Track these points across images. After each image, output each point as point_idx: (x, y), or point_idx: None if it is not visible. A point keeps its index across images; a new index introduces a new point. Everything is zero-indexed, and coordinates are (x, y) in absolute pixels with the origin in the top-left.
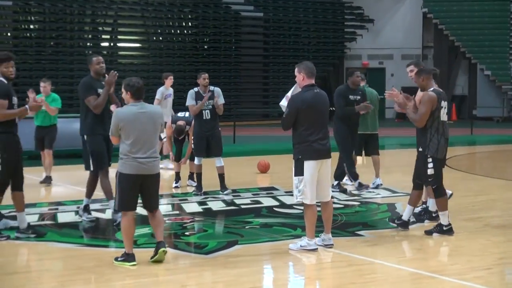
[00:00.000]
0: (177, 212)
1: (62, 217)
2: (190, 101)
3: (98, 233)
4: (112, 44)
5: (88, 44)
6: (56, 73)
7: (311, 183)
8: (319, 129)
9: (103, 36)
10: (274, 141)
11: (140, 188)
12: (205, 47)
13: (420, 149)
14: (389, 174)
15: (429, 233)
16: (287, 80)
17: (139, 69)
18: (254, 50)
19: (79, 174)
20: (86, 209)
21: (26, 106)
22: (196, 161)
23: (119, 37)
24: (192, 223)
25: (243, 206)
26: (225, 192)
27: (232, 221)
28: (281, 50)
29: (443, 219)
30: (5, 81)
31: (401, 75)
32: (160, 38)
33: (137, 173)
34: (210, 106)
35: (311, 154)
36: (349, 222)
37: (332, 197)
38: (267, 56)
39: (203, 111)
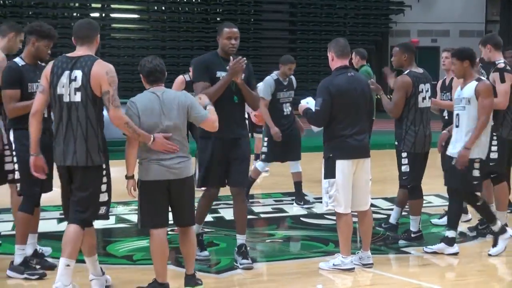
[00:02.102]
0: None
1: (42, 226)
2: (266, 92)
3: None
4: (103, 14)
5: (75, 14)
6: None
7: (345, 188)
8: (355, 121)
9: (93, 5)
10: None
11: (169, 198)
12: (218, 19)
13: (396, 143)
14: (439, 178)
15: (394, 239)
16: (318, 61)
17: (137, 46)
18: (278, 23)
19: None
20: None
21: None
22: (260, 166)
23: (113, 6)
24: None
25: (263, 215)
26: (304, 205)
27: (249, 234)
28: (311, 25)
29: (414, 225)
30: (20, 63)
31: None
32: (163, 7)
33: (162, 178)
34: (291, 98)
35: (345, 152)
36: (393, 236)
37: (372, 205)
38: (293, 31)
39: (283, 104)
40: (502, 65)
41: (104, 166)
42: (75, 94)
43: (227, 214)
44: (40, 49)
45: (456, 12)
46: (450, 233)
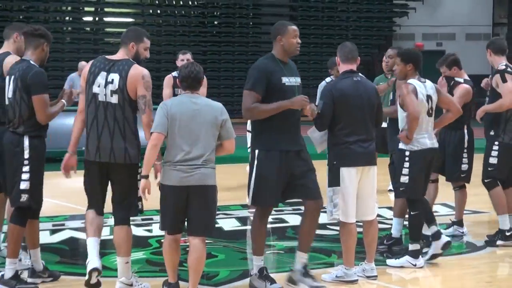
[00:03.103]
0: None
1: None
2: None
3: (80, 257)
4: (97, 18)
5: (67, 18)
6: None
7: (350, 196)
8: (360, 127)
9: (86, 9)
10: None
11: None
12: (215, 23)
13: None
14: (446, 185)
15: (401, 250)
16: (319, 66)
17: None
18: None
19: (56, 182)
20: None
21: (63, 100)
22: None
23: (106, 9)
24: None
25: None
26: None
27: (249, 245)
28: (312, 28)
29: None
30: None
31: (466, 60)
32: (158, 11)
33: (180, 184)
34: None
35: (350, 159)
36: (398, 247)
37: (378, 215)
38: None
39: None
40: (502, 67)
41: (140, 165)
42: (111, 96)
43: (226, 224)
44: (47, 53)
45: (462, 15)
46: (413, 246)
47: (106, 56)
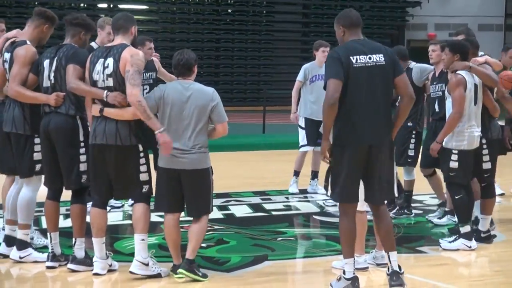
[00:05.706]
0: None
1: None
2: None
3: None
4: (111, 5)
5: (82, 5)
6: None
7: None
8: None
9: None
10: None
11: (180, 186)
12: (229, 11)
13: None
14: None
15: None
16: None
17: None
18: (291, 15)
19: None
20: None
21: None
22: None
23: None
24: (210, 233)
25: (274, 213)
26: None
27: (260, 231)
28: (325, 17)
29: (483, 224)
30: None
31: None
32: None
33: (170, 167)
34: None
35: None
36: (408, 236)
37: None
38: (307, 23)
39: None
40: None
41: (140, 148)
42: (107, 79)
43: (237, 211)
44: (85, 42)
45: (475, 5)
46: (465, 229)
47: (105, 45)
